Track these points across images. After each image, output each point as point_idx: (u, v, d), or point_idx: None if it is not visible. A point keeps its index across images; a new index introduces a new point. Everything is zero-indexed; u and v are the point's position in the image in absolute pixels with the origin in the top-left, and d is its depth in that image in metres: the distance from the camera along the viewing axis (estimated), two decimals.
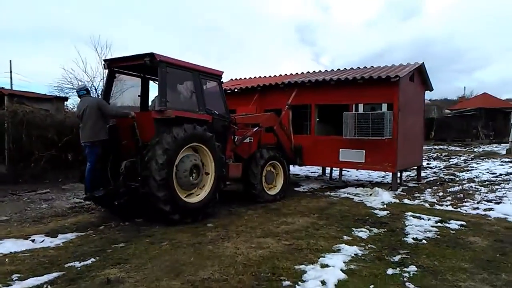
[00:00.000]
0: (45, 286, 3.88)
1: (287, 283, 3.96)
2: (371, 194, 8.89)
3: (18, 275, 4.13)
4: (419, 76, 10.82)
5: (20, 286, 3.87)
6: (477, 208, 7.68)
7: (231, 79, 14.06)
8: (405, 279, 4.11)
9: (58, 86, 18.63)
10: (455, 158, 18.28)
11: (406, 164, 10.37)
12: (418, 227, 6.21)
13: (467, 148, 23.97)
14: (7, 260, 4.61)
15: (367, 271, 4.31)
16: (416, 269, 4.37)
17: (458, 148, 24.20)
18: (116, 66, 6.98)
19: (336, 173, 12.17)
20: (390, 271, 4.30)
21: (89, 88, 6.96)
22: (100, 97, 9.21)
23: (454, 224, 6.40)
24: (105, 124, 6.60)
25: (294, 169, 13.06)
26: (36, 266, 4.42)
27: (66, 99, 16.77)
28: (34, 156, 10.07)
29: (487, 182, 10.81)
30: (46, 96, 15.28)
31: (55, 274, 4.16)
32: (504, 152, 19.67)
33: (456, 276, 4.20)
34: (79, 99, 6.81)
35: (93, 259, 4.60)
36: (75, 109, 17.22)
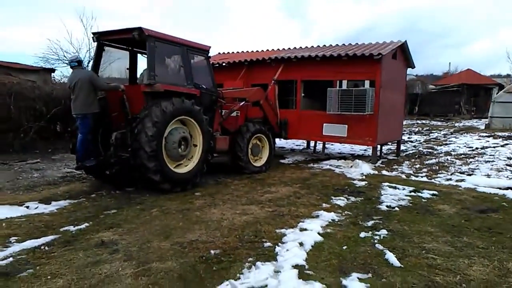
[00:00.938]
0: (42, 247, 4.16)
1: (268, 244, 4.33)
2: (351, 166, 9.32)
3: (16, 237, 4.39)
4: (402, 54, 11.07)
5: (19, 247, 4.13)
6: (450, 179, 8.16)
7: (219, 53, 14.09)
8: (375, 241, 4.51)
9: (44, 57, 18.36)
10: (436, 132, 18.86)
11: (386, 139, 10.78)
12: (392, 196, 6.64)
13: (449, 123, 24.64)
14: (4, 224, 4.86)
15: (342, 234, 4.71)
16: (386, 232, 4.78)
17: (439, 123, 24.85)
18: (104, 39, 7.05)
19: (320, 146, 12.56)
20: (362, 234, 4.71)
21: (81, 59, 6.95)
22: (88, 69, 9.24)
23: (426, 194, 6.85)
24: (96, 97, 6.74)
25: (280, 142, 13.42)
26: (33, 230, 4.68)
27: (53, 70, 16.59)
28: (23, 127, 10.13)
29: (462, 156, 11.34)
30: (33, 67, 15.10)
31: (51, 237, 4.44)
32: (483, 127, 20.37)
33: (422, 239, 4.62)
34: (71, 70, 6.88)
35: (86, 224, 4.89)
36: (63, 80, 17.10)
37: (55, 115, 10.65)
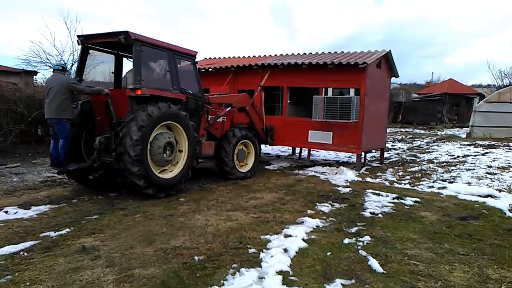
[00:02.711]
0: (21, 253, 4.06)
1: (252, 250, 4.32)
2: (336, 173, 9.40)
3: None
4: (386, 63, 11.27)
5: None
6: (432, 187, 8.30)
7: (205, 58, 14.08)
8: (359, 247, 4.55)
9: (26, 59, 18.04)
10: (419, 140, 19.19)
11: (370, 146, 10.92)
12: (376, 203, 6.72)
13: (431, 131, 25.13)
14: None
15: (326, 240, 4.74)
16: (370, 239, 4.83)
17: (422, 131, 25.31)
18: (89, 43, 6.97)
19: (305, 153, 12.63)
20: (346, 241, 4.75)
21: (66, 67, 6.87)
22: (70, 73, 9.15)
23: (409, 201, 6.95)
24: (72, 104, 6.65)
25: (265, 148, 13.44)
26: (11, 236, 4.56)
27: (35, 73, 16.30)
28: (3, 130, 9.90)
29: (444, 163, 11.57)
30: (14, 69, 14.81)
31: (31, 243, 4.34)
32: (464, 135, 20.83)
33: (404, 245, 4.69)
34: (52, 73, 6.82)
35: (67, 229, 4.79)
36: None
37: (37, 118, 10.44)
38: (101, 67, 7.75)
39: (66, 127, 6.50)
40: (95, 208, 5.82)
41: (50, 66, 18.86)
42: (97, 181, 6.80)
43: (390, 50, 10.80)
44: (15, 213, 5.43)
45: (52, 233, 4.65)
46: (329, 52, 11.74)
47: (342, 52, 11.46)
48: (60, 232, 4.69)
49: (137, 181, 6.13)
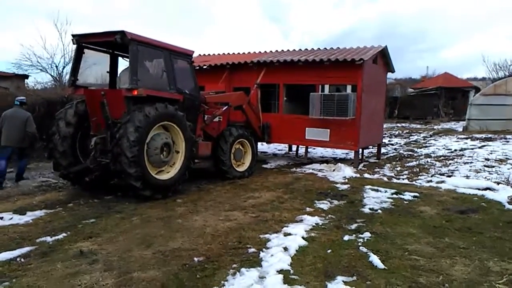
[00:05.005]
0: (18, 259, 4.01)
1: (252, 250, 4.28)
2: (334, 170, 9.37)
3: None
4: (382, 58, 11.25)
5: None
6: (430, 181, 8.29)
7: (200, 55, 13.97)
8: (359, 244, 4.53)
9: (16, 63, 17.95)
10: (416, 135, 19.20)
11: (367, 142, 10.90)
12: (375, 199, 6.70)
13: (428, 126, 25.15)
14: None
15: (326, 238, 4.71)
16: (370, 235, 4.81)
17: (419, 126, 25.32)
18: (84, 42, 6.89)
19: (302, 150, 12.59)
20: (346, 238, 4.72)
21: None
22: (67, 73, 9.28)
23: (408, 196, 6.93)
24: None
25: (262, 146, 13.41)
26: (7, 242, 4.51)
27: (26, 76, 16.20)
28: None
29: (442, 157, 11.57)
30: (5, 73, 14.67)
31: (27, 248, 4.28)
32: (461, 129, 20.86)
33: (404, 240, 4.67)
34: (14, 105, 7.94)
35: (64, 234, 4.73)
36: (37, 86, 16.74)
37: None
38: (94, 67, 7.67)
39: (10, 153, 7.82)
40: (92, 212, 5.76)
41: (41, 69, 18.80)
42: (93, 184, 6.73)
43: (386, 46, 10.78)
44: (10, 219, 5.37)
45: (48, 238, 4.59)
46: (325, 48, 11.71)
47: (338, 48, 11.42)
48: (57, 237, 4.63)
49: (134, 182, 6.07)
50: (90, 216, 5.51)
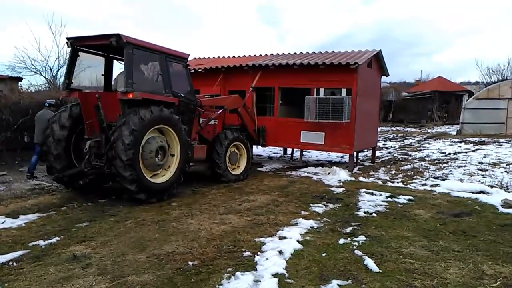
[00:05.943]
0: (10, 263, 3.96)
1: (247, 253, 4.26)
2: (329, 173, 9.38)
3: None
4: (377, 62, 11.31)
5: None
6: (425, 184, 8.32)
7: (195, 58, 13.96)
8: (354, 247, 4.52)
9: (10, 65, 17.84)
10: (410, 138, 19.31)
11: (362, 146, 10.93)
12: (370, 202, 6.70)
13: (422, 129, 25.32)
14: None
15: (321, 241, 4.70)
16: (365, 238, 4.81)
17: (413, 129, 25.50)
18: (79, 45, 6.86)
19: (297, 153, 12.60)
20: (341, 241, 4.72)
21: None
22: (61, 75, 9.41)
23: (402, 199, 6.95)
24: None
25: (257, 150, 13.41)
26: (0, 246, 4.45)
27: (20, 79, 16.11)
28: None
29: (436, 161, 11.63)
30: None
31: (20, 252, 4.24)
32: (454, 133, 21.03)
33: (399, 244, 4.67)
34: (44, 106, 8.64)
35: (57, 238, 4.69)
36: (30, 89, 16.66)
37: (23, 124, 10.25)
38: (88, 70, 7.63)
39: None
40: (85, 215, 5.71)
41: (35, 72, 18.70)
42: (87, 187, 6.68)
43: (380, 50, 10.85)
44: (2, 223, 5.31)
45: (41, 242, 4.54)
46: (320, 52, 11.75)
47: (333, 51, 11.47)
48: (50, 241, 4.58)
49: (128, 186, 6.04)
50: (83, 220, 5.46)
